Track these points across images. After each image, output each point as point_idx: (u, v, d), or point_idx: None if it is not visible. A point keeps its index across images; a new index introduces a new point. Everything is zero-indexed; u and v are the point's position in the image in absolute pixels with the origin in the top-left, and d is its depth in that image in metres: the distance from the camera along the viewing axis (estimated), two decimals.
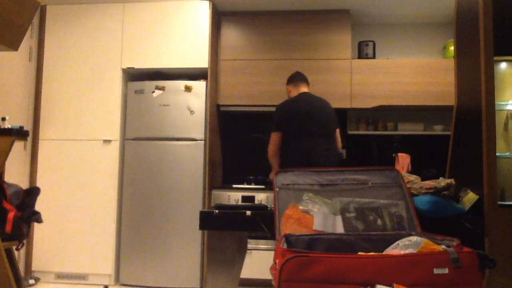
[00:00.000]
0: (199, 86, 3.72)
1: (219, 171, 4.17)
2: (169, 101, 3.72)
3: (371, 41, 4.12)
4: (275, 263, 1.18)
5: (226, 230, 1.75)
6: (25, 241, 2.45)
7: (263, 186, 3.67)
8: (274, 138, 3.08)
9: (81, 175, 3.76)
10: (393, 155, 3.92)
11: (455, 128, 2.18)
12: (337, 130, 3.21)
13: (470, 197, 1.76)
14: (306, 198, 1.58)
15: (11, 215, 2.30)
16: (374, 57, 4.09)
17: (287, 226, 1.48)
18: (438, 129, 4.03)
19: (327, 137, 3.08)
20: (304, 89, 3.22)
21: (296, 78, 3.27)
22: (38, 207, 2.55)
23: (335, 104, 3.85)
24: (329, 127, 3.12)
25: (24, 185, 3.66)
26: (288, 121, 3.05)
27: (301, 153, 2.99)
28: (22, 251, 3.70)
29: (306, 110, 3.06)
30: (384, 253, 1.30)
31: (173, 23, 3.81)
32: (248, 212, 1.70)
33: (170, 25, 3.81)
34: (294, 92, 3.22)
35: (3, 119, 2.84)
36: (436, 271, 1.10)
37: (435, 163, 3.12)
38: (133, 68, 3.82)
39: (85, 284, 3.68)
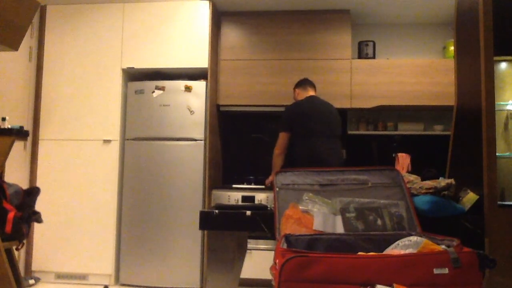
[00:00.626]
0: (199, 86, 3.72)
1: (219, 171, 4.17)
2: (169, 101, 3.72)
3: (371, 41, 4.12)
4: (275, 263, 1.18)
5: (226, 230, 1.75)
6: (25, 241, 2.45)
7: (263, 186, 3.67)
8: (283, 138, 3.21)
9: (81, 175, 3.76)
10: (393, 155, 3.93)
11: (455, 128, 2.18)
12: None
13: (470, 197, 1.76)
14: (306, 198, 1.58)
15: (11, 215, 2.30)
16: (374, 57, 4.09)
17: (287, 226, 1.48)
18: (438, 129, 4.02)
19: (332, 137, 3.23)
20: (312, 93, 3.39)
21: (305, 82, 3.44)
22: (38, 207, 2.55)
23: (335, 104, 3.85)
24: (335, 128, 3.27)
25: (24, 185, 3.66)
26: (297, 122, 3.17)
27: (308, 152, 3.11)
28: (22, 251, 3.70)
29: (314, 111, 3.20)
30: (384, 253, 1.30)
31: (173, 23, 3.81)
32: (248, 212, 1.70)
33: (170, 25, 3.81)
34: (302, 95, 3.37)
35: (3, 119, 2.85)
36: (436, 271, 1.10)
37: (435, 163, 3.12)
38: (133, 68, 3.82)
39: (85, 284, 3.68)
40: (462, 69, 2.15)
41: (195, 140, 3.68)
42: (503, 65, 2.15)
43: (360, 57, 4.11)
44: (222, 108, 4.04)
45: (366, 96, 3.90)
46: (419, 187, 1.71)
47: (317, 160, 3.02)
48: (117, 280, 3.72)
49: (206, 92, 3.73)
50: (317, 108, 3.23)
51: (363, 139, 4.21)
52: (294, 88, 3.48)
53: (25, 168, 3.78)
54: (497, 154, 1.80)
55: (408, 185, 1.71)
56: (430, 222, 1.57)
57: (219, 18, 4.06)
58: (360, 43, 4.14)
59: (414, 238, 1.27)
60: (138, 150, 3.73)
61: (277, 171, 1.70)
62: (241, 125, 4.32)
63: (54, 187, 3.77)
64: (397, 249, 1.28)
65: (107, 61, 3.83)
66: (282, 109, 3.36)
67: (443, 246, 1.19)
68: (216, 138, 4.01)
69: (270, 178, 3.36)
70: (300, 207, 1.54)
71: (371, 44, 4.10)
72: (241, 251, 2.05)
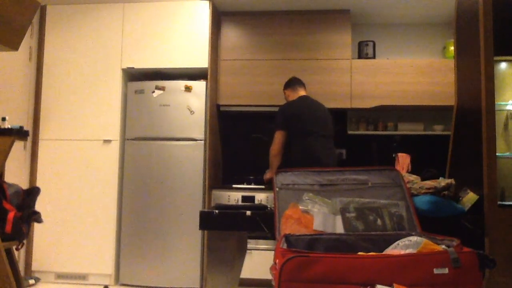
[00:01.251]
0: (199, 86, 3.72)
1: (219, 171, 4.17)
2: (169, 101, 3.72)
3: (371, 41, 4.12)
4: (275, 263, 1.18)
5: (226, 230, 1.75)
6: (25, 241, 2.45)
7: (263, 186, 3.67)
8: (279, 137, 3.16)
9: (81, 175, 3.76)
10: (393, 155, 3.92)
11: (455, 128, 2.18)
12: None
13: (470, 197, 1.76)
14: (306, 198, 1.58)
15: (11, 215, 2.30)
16: (374, 57, 4.09)
17: (287, 226, 1.48)
18: (438, 129, 4.03)
19: (328, 137, 3.23)
20: (302, 92, 3.35)
21: (294, 82, 3.40)
22: (38, 207, 2.55)
23: (335, 104, 3.87)
24: (329, 128, 3.26)
25: (24, 185, 3.66)
26: (292, 121, 3.14)
27: (305, 153, 3.10)
28: (22, 251, 3.70)
29: (309, 111, 3.19)
30: (384, 253, 1.30)
31: (173, 23, 3.81)
32: (248, 212, 1.70)
33: (170, 25, 3.81)
34: (293, 96, 3.33)
35: (3, 119, 2.84)
36: (436, 271, 1.10)
37: (435, 163, 3.12)
38: (133, 68, 3.82)
39: (85, 284, 3.68)
40: (462, 69, 2.15)
41: (195, 140, 3.68)
42: (503, 65, 2.15)
43: (360, 57, 4.11)
44: (222, 108, 4.04)
45: (366, 96, 3.90)
46: (419, 187, 1.71)
47: (314, 161, 2.99)
48: (117, 280, 3.72)
49: (206, 92, 3.73)
50: (311, 108, 3.22)
51: (363, 139, 4.21)
52: (284, 90, 3.44)
53: (25, 168, 3.78)
54: (497, 154, 1.80)
55: (408, 185, 1.71)
56: (430, 222, 1.57)
57: (219, 18, 4.06)
58: (360, 43, 4.14)
59: (414, 238, 1.27)
60: (138, 150, 3.73)
61: (277, 171, 1.70)
62: (241, 125, 4.32)
63: (54, 187, 3.77)
64: (397, 249, 1.28)
65: (107, 61, 3.83)
66: None
67: (443, 246, 1.19)
68: (216, 138, 4.01)
69: (269, 175, 3.29)
70: (300, 207, 1.54)
71: (371, 44, 4.10)
72: (241, 251, 2.05)
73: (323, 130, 3.19)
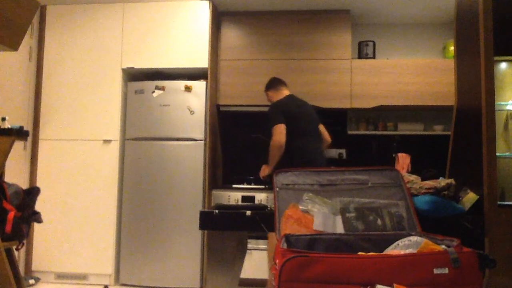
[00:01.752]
0: (199, 86, 3.72)
1: (219, 171, 4.17)
2: (169, 101, 3.72)
3: (371, 41, 4.12)
4: (275, 263, 1.18)
5: (226, 230, 1.75)
6: (25, 241, 2.45)
7: (263, 186, 3.67)
8: (281, 129, 3.01)
9: (81, 175, 3.76)
10: (393, 155, 3.92)
11: (455, 128, 2.18)
12: (321, 126, 3.29)
13: (470, 197, 1.76)
14: (306, 198, 1.58)
15: (11, 215, 2.30)
16: (374, 57, 4.09)
17: (287, 226, 1.48)
18: (438, 129, 4.03)
19: (317, 136, 3.20)
20: (286, 92, 3.28)
21: (276, 83, 3.32)
22: (38, 207, 2.55)
23: (335, 104, 3.88)
24: (317, 127, 3.24)
25: (24, 185, 3.66)
26: (287, 121, 3.07)
27: (300, 151, 3.06)
28: (22, 251, 3.70)
29: (300, 111, 3.15)
30: (384, 253, 1.30)
31: (173, 23, 3.81)
32: (248, 212, 1.69)
33: (170, 25, 3.81)
34: (277, 97, 3.25)
35: (3, 119, 2.84)
36: (436, 271, 1.10)
37: (435, 163, 3.12)
38: (133, 68, 3.82)
39: (85, 284, 3.68)
40: (462, 69, 2.15)
41: (195, 140, 3.68)
42: (503, 65, 2.15)
43: (360, 57, 4.11)
44: (222, 108, 4.04)
45: (366, 96, 3.90)
46: (419, 187, 1.71)
47: (309, 161, 2.97)
48: (117, 280, 3.72)
49: (206, 92, 3.73)
50: (302, 108, 3.17)
51: (363, 139, 4.21)
52: (266, 91, 3.34)
53: (25, 168, 3.78)
54: (497, 154, 1.80)
55: (408, 185, 1.71)
56: (430, 222, 1.57)
57: (219, 18, 4.06)
58: (360, 43, 4.14)
59: (414, 238, 1.27)
60: (138, 150, 3.73)
61: (277, 171, 1.70)
62: (241, 125, 4.32)
63: (54, 187, 3.77)
64: (397, 249, 1.28)
65: (107, 61, 3.83)
66: None
67: (443, 246, 1.19)
68: (216, 138, 4.01)
69: (267, 170, 3.14)
70: (300, 207, 1.54)
71: (371, 44, 4.10)
72: (241, 251, 2.05)
73: (314, 130, 3.17)
